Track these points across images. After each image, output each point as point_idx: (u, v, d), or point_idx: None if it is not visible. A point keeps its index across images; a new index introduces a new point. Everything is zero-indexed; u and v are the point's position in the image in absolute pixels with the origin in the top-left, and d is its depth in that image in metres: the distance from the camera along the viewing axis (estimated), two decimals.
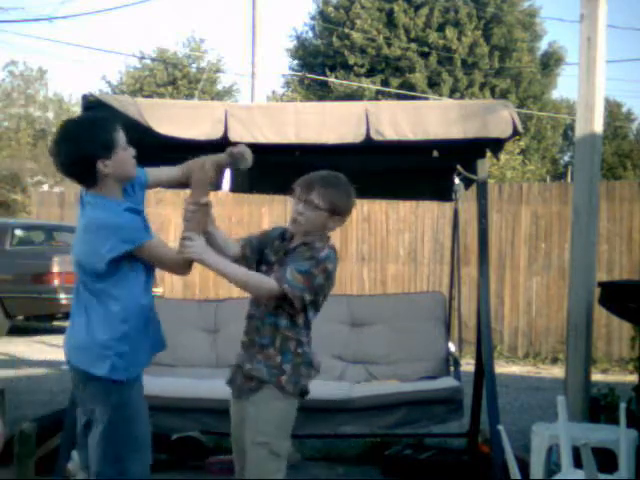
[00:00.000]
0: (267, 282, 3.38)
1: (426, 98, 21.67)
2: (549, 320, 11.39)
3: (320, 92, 25.27)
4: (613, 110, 33.78)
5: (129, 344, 3.38)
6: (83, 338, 3.39)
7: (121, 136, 3.39)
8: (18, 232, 13.44)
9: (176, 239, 3.59)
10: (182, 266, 3.40)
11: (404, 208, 12.15)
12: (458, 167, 5.41)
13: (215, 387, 5.54)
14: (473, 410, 5.73)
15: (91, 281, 3.37)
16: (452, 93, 24.50)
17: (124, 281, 3.36)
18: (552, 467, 4.66)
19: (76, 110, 28.44)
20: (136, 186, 3.52)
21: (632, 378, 7.68)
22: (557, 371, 10.00)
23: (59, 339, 12.46)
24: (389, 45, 25.00)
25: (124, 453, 3.40)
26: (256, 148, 5.14)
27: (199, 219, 3.35)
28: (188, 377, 5.74)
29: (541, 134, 27.53)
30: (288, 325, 3.45)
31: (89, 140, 3.31)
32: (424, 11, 25.05)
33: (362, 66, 25.10)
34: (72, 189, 23.03)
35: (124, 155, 3.38)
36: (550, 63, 27.88)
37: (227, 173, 6.18)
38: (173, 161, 5.02)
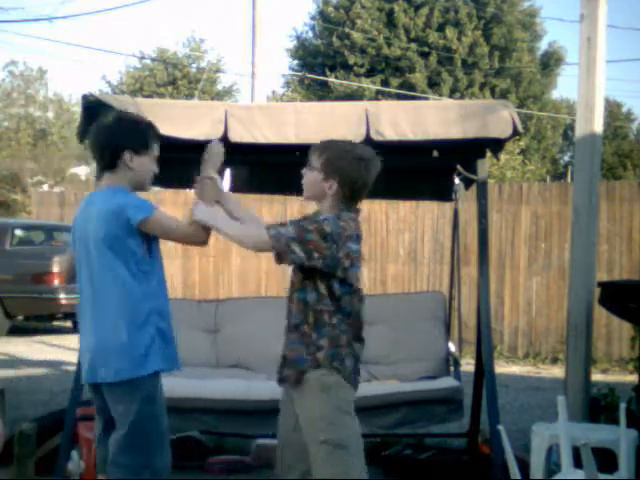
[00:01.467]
0: (262, 236, 3.33)
1: (426, 98, 21.67)
2: (549, 320, 11.39)
3: (320, 92, 25.26)
4: (613, 110, 33.79)
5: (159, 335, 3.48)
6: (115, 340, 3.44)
7: (156, 149, 3.64)
8: (18, 232, 13.44)
9: None
10: (193, 234, 3.48)
11: (404, 208, 12.15)
12: (458, 167, 5.41)
13: (215, 387, 5.55)
14: (473, 410, 5.73)
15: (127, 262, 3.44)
16: (452, 93, 24.50)
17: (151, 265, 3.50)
18: (552, 467, 4.66)
19: (76, 110, 28.46)
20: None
21: (632, 378, 7.68)
22: (557, 371, 10.00)
23: (59, 339, 12.52)
24: (389, 45, 24.99)
25: (150, 447, 3.47)
26: (256, 148, 5.17)
27: (207, 191, 3.56)
28: (188, 377, 5.74)
29: (541, 134, 27.53)
30: (317, 298, 3.38)
31: (125, 130, 3.55)
32: (424, 11, 25.04)
33: (362, 66, 25.09)
34: (72, 189, 23.04)
35: (150, 164, 3.61)
36: (550, 63, 27.87)
37: (227, 173, 6.19)
38: (173, 161, 5.03)
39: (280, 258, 3.32)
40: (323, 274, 3.34)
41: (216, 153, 3.73)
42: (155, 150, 3.62)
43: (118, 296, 3.43)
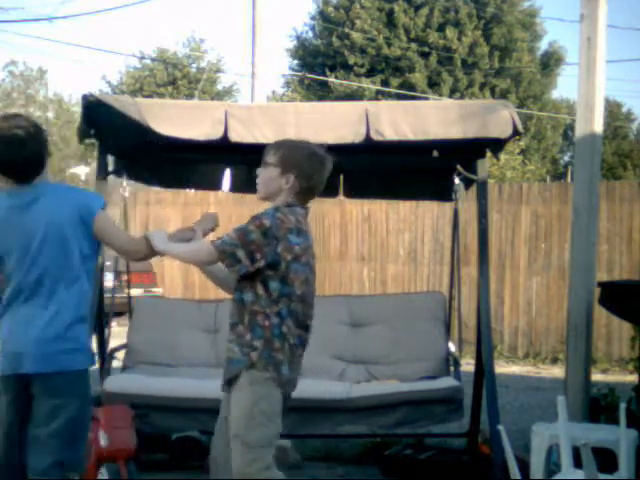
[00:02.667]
0: (203, 248, 3.41)
1: (426, 98, 21.67)
2: (549, 320, 11.39)
3: (320, 92, 25.26)
4: (613, 110, 33.77)
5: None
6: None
7: None
8: None
9: None
10: (134, 245, 3.49)
11: (404, 208, 12.15)
12: (458, 167, 5.41)
13: (215, 387, 5.54)
14: (473, 410, 5.73)
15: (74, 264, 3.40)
16: (452, 93, 24.49)
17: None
18: (552, 467, 4.66)
19: (76, 110, 28.47)
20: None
21: (632, 378, 7.68)
22: (557, 371, 10.00)
23: None
24: (389, 45, 24.99)
25: (84, 439, 3.49)
26: (256, 148, 5.17)
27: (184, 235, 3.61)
28: (188, 377, 5.74)
29: (541, 134, 27.52)
30: (253, 299, 3.41)
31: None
32: (424, 11, 25.04)
33: (362, 66, 25.09)
34: None
35: None
36: (550, 63, 27.86)
37: (227, 173, 6.19)
38: (173, 161, 5.03)
39: (228, 268, 3.37)
40: (262, 274, 3.37)
41: (209, 219, 3.71)
42: None
43: None
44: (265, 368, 3.38)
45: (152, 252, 3.51)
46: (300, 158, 3.48)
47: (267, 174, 3.50)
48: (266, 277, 3.38)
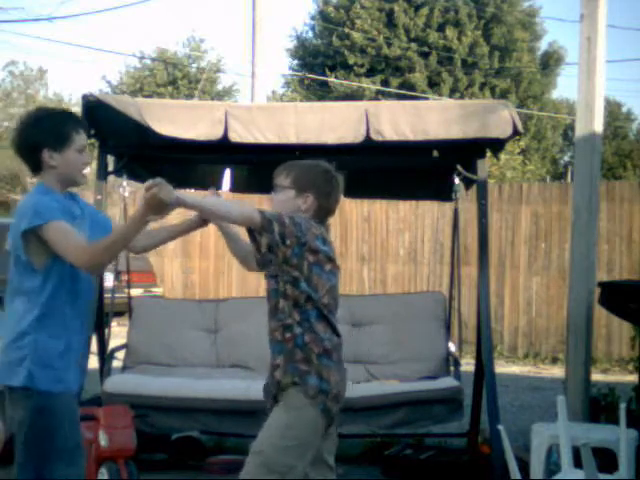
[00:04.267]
0: (249, 208, 3.27)
1: (426, 98, 21.66)
2: (549, 320, 11.39)
3: (320, 92, 25.25)
4: (613, 110, 33.77)
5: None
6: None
7: (80, 139, 3.34)
8: None
9: None
10: (83, 253, 3.15)
11: (404, 208, 12.15)
12: (458, 167, 5.41)
13: (215, 387, 5.55)
14: (473, 410, 5.73)
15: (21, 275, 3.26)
16: (452, 93, 24.49)
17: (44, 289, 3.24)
18: (552, 467, 4.66)
19: (76, 110, 28.45)
20: (88, 216, 3.45)
21: (632, 378, 7.68)
22: (557, 371, 10.00)
23: None
24: (389, 45, 24.98)
25: (44, 463, 3.22)
26: (256, 148, 5.17)
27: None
28: (188, 377, 5.74)
29: (541, 134, 27.51)
30: (284, 311, 3.34)
31: (40, 127, 3.32)
32: (424, 11, 25.03)
33: (362, 66, 25.08)
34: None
35: (74, 157, 3.33)
36: (550, 63, 27.86)
37: (227, 173, 6.19)
38: (174, 161, 5.03)
39: (260, 236, 3.21)
40: (289, 274, 3.28)
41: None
42: (79, 141, 3.33)
43: None
44: (290, 381, 3.29)
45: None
46: (315, 177, 3.41)
47: (282, 197, 3.43)
48: (294, 278, 3.29)
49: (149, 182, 3.00)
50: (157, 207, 3.05)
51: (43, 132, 3.31)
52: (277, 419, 3.30)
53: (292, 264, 3.27)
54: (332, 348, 3.34)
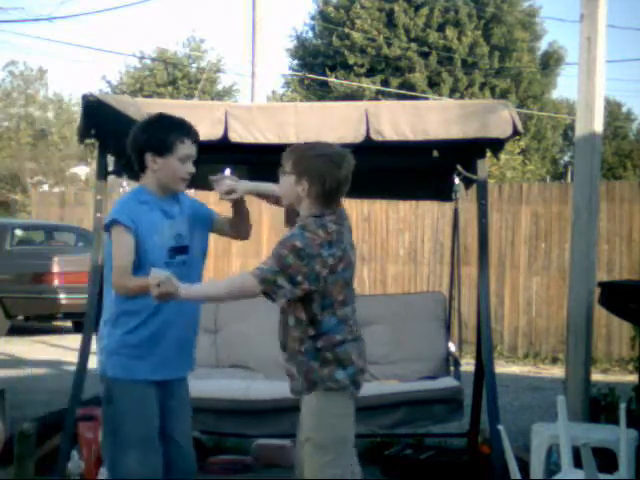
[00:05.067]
0: (247, 280, 3.29)
1: (426, 98, 21.66)
2: (549, 320, 11.39)
3: (320, 92, 25.26)
4: (613, 110, 33.79)
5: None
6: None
7: (183, 148, 3.53)
8: (18, 232, 13.43)
9: None
10: (116, 279, 3.44)
11: (404, 208, 12.15)
12: (458, 167, 5.41)
13: (215, 387, 5.55)
14: (473, 410, 5.73)
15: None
16: (452, 93, 24.49)
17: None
18: (552, 467, 4.66)
19: (76, 110, 28.46)
20: (190, 214, 3.65)
21: (632, 378, 7.69)
22: (557, 371, 10.00)
23: (59, 339, 12.51)
24: (389, 45, 24.99)
25: (114, 451, 3.53)
26: (256, 148, 5.17)
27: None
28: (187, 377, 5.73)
29: (541, 134, 27.52)
30: (294, 323, 3.38)
31: (148, 132, 3.55)
32: (424, 11, 25.04)
33: (362, 66, 25.09)
34: (72, 189, 23.02)
35: (175, 165, 3.52)
36: (550, 63, 27.87)
37: (227, 173, 6.18)
38: None
39: (272, 298, 3.28)
40: (305, 296, 3.31)
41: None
42: (182, 150, 3.53)
43: None
44: (313, 385, 3.37)
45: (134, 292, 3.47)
46: (309, 161, 3.36)
47: (285, 182, 3.42)
48: (310, 299, 3.32)
49: (157, 277, 3.25)
50: (165, 298, 3.33)
51: (149, 137, 3.53)
52: (310, 406, 3.39)
53: (315, 292, 3.31)
54: (345, 337, 3.40)
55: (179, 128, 3.57)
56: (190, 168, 3.58)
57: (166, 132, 3.53)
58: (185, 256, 3.58)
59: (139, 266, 3.44)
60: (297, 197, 3.39)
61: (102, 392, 3.59)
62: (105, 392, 3.56)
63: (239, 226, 3.82)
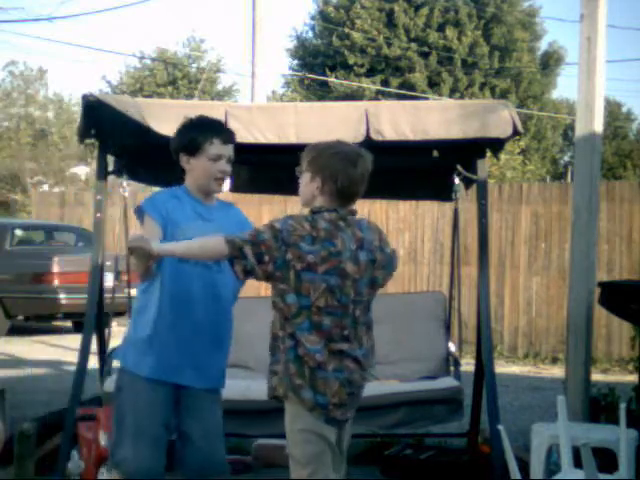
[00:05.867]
0: (218, 240, 3.23)
1: (426, 98, 21.67)
2: (549, 320, 11.39)
3: (320, 92, 25.26)
4: (613, 110, 33.79)
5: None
6: None
7: (212, 148, 3.62)
8: (18, 232, 13.43)
9: None
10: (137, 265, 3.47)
11: (404, 208, 12.15)
12: (458, 167, 5.40)
13: None
14: (473, 410, 5.73)
15: None
16: (452, 93, 24.50)
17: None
18: (552, 467, 4.66)
19: (76, 110, 28.46)
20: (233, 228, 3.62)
21: (632, 378, 7.69)
22: (557, 371, 10.00)
23: (59, 339, 12.51)
24: (389, 45, 25.00)
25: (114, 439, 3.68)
26: (256, 148, 5.17)
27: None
28: None
29: (541, 134, 27.52)
30: (274, 320, 3.34)
31: (180, 134, 3.70)
32: (424, 11, 25.05)
33: (362, 66, 25.10)
34: (72, 189, 23.01)
35: (207, 165, 3.62)
36: (550, 63, 27.88)
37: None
38: (174, 162, 4.99)
39: (233, 264, 3.21)
40: (276, 287, 3.25)
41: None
42: (211, 150, 3.61)
43: None
44: (284, 394, 3.30)
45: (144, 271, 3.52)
46: (325, 160, 3.34)
47: (303, 181, 3.39)
48: (281, 290, 3.24)
49: (128, 244, 3.28)
50: (144, 263, 3.38)
51: (182, 137, 3.67)
52: (285, 418, 3.35)
53: (276, 278, 3.23)
54: (326, 361, 3.24)
55: (209, 128, 3.66)
56: (223, 167, 3.64)
57: (196, 132, 3.63)
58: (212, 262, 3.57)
59: (160, 259, 3.48)
60: (312, 195, 3.35)
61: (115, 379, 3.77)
62: (116, 380, 3.74)
63: None
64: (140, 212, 3.60)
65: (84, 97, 4.94)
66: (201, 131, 3.63)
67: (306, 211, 3.41)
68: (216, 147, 3.61)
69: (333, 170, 3.32)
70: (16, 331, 12.37)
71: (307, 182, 3.36)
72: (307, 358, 3.24)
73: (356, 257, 3.32)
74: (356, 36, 24.93)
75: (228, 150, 3.65)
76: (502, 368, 9.83)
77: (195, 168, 3.63)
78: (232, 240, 3.20)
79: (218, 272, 3.59)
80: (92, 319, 5.11)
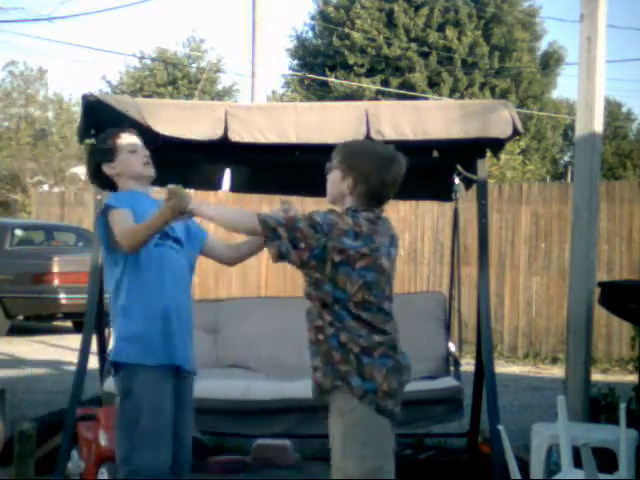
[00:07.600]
0: (252, 216, 3.19)
1: (426, 98, 21.67)
2: (549, 320, 11.39)
3: (320, 92, 25.26)
4: (613, 110, 33.78)
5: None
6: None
7: (125, 139, 3.76)
8: (18, 232, 13.44)
9: None
10: (124, 239, 3.47)
11: (404, 208, 12.15)
12: (458, 167, 5.40)
13: (215, 387, 5.54)
14: (473, 410, 5.73)
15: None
16: (452, 93, 24.50)
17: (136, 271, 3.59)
18: (552, 467, 4.66)
19: (76, 110, 28.44)
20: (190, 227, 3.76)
21: (632, 378, 7.69)
22: (557, 371, 10.00)
23: (59, 339, 12.52)
24: (389, 45, 25.00)
25: (129, 444, 3.55)
26: (256, 148, 5.17)
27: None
28: None
29: (541, 134, 27.52)
30: (314, 313, 3.22)
31: (94, 153, 3.82)
32: (424, 11, 25.05)
33: (362, 66, 25.10)
34: (72, 189, 23.01)
35: (129, 156, 3.73)
36: (550, 63, 27.88)
37: (227, 173, 6.19)
38: (174, 161, 5.01)
39: (267, 244, 3.15)
40: (312, 277, 3.17)
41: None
42: (124, 142, 3.74)
43: None
44: (331, 386, 3.18)
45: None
46: (358, 159, 3.30)
47: (332, 177, 3.32)
48: (316, 280, 3.17)
49: (170, 189, 3.28)
50: (175, 214, 3.35)
51: (95, 155, 3.79)
52: (336, 429, 3.20)
53: (311, 266, 3.15)
54: (371, 346, 3.19)
55: (110, 132, 3.81)
56: (142, 151, 3.78)
57: (103, 141, 3.79)
58: (178, 246, 3.66)
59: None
60: (341, 194, 3.29)
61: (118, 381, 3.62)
62: (121, 383, 3.61)
63: (238, 258, 3.92)
64: (106, 210, 3.57)
65: (84, 97, 4.95)
66: (105, 137, 3.78)
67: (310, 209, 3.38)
68: (126, 139, 3.75)
69: (367, 171, 3.28)
70: (16, 331, 12.37)
71: (338, 180, 3.30)
72: (351, 344, 3.17)
73: (389, 253, 3.34)
74: (356, 36, 24.93)
75: (135, 139, 3.80)
76: (502, 368, 9.82)
77: (122, 165, 3.71)
78: (265, 219, 3.15)
79: (178, 252, 3.66)
80: (92, 319, 5.11)
